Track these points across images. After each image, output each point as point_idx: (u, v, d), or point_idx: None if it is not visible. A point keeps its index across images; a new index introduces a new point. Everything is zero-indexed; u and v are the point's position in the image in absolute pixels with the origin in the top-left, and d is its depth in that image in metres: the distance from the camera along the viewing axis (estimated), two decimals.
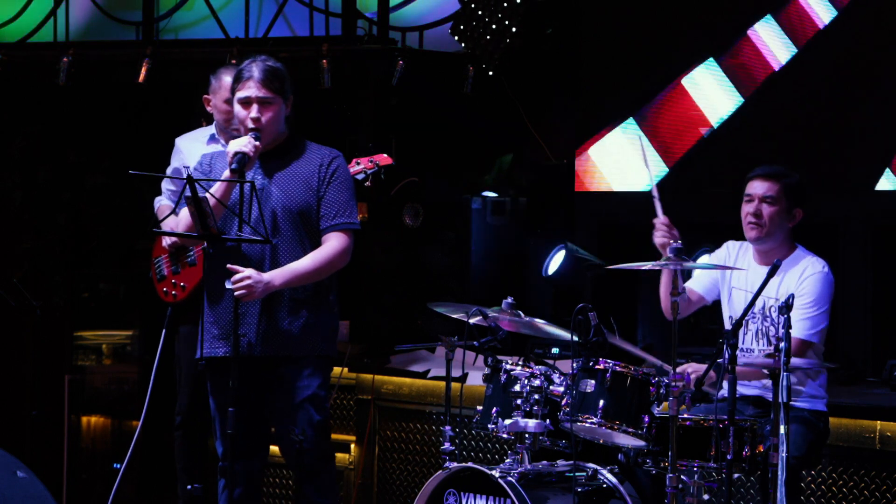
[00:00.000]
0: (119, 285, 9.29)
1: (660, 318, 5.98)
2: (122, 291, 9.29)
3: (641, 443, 5.67)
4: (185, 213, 5.73)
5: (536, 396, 5.90)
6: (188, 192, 5.47)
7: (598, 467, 5.87)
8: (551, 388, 5.93)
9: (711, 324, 6.78)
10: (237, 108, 5.82)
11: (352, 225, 5.83)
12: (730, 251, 6.13)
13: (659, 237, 5.96)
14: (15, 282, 8.06)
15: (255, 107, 5.76)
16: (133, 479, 8.55)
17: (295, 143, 5.90)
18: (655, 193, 6.05)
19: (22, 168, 9.39)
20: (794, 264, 5.94)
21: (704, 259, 6.70)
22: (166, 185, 6.89)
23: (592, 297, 7.94)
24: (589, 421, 5.66)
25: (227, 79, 6.73)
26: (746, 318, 5.88)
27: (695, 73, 8.45)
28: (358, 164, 6.46)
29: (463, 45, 8.69)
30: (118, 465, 8.56)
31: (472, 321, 6.11)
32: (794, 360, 5.60)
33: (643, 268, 5.58)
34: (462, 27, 8.65)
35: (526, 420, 5.85)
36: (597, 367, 5.72)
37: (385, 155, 6.60)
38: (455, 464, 5.91)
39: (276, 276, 5.68)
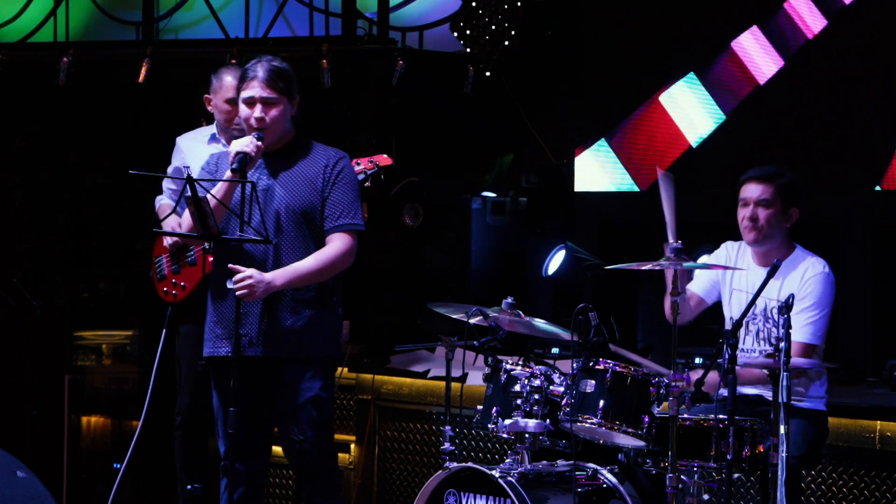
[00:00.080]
0: (119, 285, 9.28)
1: (660, 318, 5.98)
2: (122, 291, 9.29)
3: (641, 443, 5.67)
4: (188, 213, 5.73)
5: (536, 396, 5.89)
6: (188, 192, 5.47)
7: (598, 467, 5.87)
8: (551, 388, 5.93)
9: (712, 324, 6.78)
10: (241, 107, 5.82)
11: (355, 226, 5.83)
12: (728, 252, 6.12)
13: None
14: (15, 282, 8.05)
15: (258, 107, 5.76)
16: (133, 479, 8.55)
17: (301, 144, 5.89)
18: (664, 185, 5.83)
19: (22, 168, 9.39)
20: (795, 265, 5.93)
21: (703, 260, 6.69)
22: (167, 184, 6.90)
23: (592, 297, 7.94)
24: (589, 421, 5.66)
25: (227, 79, 6.74)
26: (747, 319, 5.88)
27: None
28: (358, 164, 6.46)
29: (462, 43, 8.69)
30: (118, 465, 8.56)
31: (472, 321, 6.11)
32: (796, 361, 5.61)
33: (643, 268, 5.58)
34: (462, 24, 8.65)
35: (526, 420, 5.85)
36: (597, 367, 5.72)
37: (385, 155, 6.60)
38: (455, 464, 5.90)
39: (278, 276, 5.68)
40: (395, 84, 8.47)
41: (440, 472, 5.88)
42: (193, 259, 6.75)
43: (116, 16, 9.59)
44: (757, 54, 8.27)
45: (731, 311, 5.99)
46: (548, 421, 5.87)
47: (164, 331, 6.83)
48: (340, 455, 7.82)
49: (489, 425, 5.96)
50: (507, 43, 8.53)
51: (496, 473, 5.71)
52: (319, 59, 8.37)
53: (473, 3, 8.64)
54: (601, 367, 5.71)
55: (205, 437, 6.95)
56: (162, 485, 8.28)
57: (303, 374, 5.78)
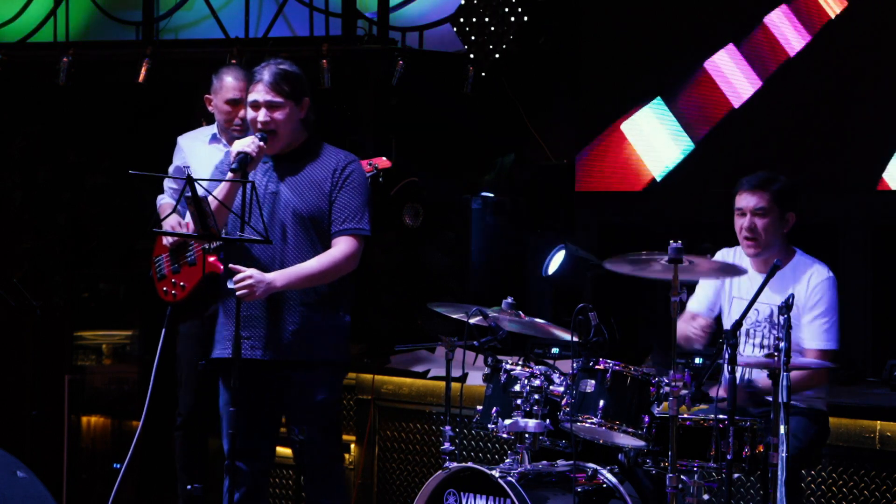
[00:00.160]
0: (119, 285, 9.29)
1: (660, 318, 5.97)
2: (122, 291, 9.30)
3: (641, 443, 5.67)
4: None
5: (536, 396, 5.89)
6: (188, 192, 5.47)
7: (598, 467, 5.87)
8: (551, 388, 5.93)
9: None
10: (248, 110, 5.83)
11: (361, 231, 5.82)
12: (725, 260, 6.08)
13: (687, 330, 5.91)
14: (15, 282, 8.06)
15: (262, 110, 5.76)
16: (133, 479, 8.56)
17: (312, 147, 5.88)
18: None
19: (22, 168, 9.39)
20: (798, 272, 5.91)
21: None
22: (169, 183, 6.91)
23: (592, 297, 7.94)
24: (589, 421, 5.66)
25: (228, 79, 6.74)
26: (749, 326, 5.88)
27: (707, 65, 8.44)
28: None
29: (462, 40, 8.69)
30: (118, 465, 8.57)
31: (472, 321, 6.11)
32: (800, 360, 5.61)
33: (641, 275, 5.56)
34: (462, 21, 8.65)
35: (526, 420, 5.85)
36: (597, 367, 5.71)
37: (384, 158, 6.61)
38: (455, 464, 5.90)
39: (279, 276, 5.68)
40: (395, 84, 8.47)
41: (440, 472, 5.88)
42: (193, 259, 6.75)
43: (116, 16, 9.59)
44: (779, 35, 8.23)
45: (732, 319, 5.96)
46: (548, 421, 5.87)
47: (163, 330, 6.84)
48: None
49: (489, 425, 5.96)
50: (504, 46, 8.54)
51: (496, 473, 5.71)
52: (319, 59, 8.37)
53: (474, 3, 8.64)
54: (601, 366, 5.70)
55: (205, 437, 6.96)
56: (162, 485, 8.28)
57: (308, 379, 5.78)
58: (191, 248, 6.74)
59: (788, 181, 5.97)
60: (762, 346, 5.88)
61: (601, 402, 5.65)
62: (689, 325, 5.92)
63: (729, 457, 5.34)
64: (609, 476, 5.85)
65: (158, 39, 9.47)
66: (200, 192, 5.48)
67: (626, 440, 5.75)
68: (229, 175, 5.66)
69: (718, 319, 6.11)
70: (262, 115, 5.76)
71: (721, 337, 5.35)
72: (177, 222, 6.65)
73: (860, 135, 7.92)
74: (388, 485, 7.87)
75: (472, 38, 8.63)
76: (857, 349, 7.75)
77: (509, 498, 5.64)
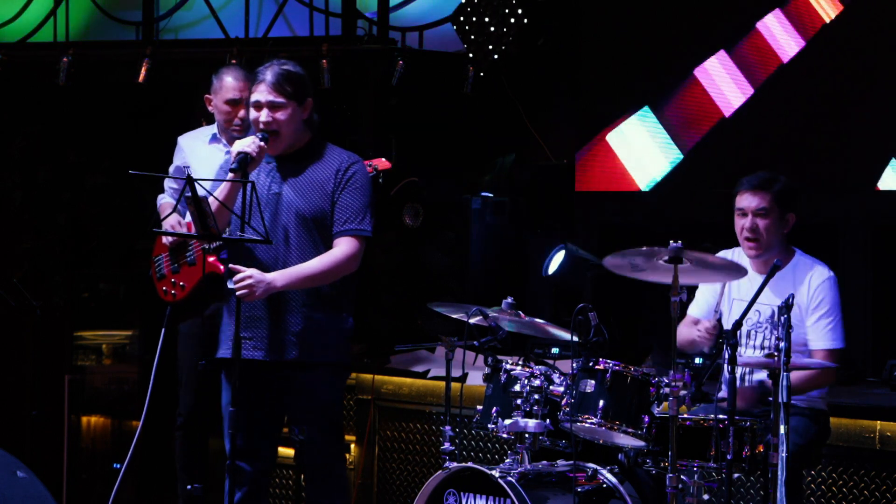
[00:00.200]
0: (119, 285, 9.29)
1: (660, 318, 5.97)
2: (122, 291, 9.29)
3: (641, 443, 5.67)
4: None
5: (536, 396, 5.89)
6: (188, 192, 5.47)
7: (598, 467, 5.87)
8: (551, 388, 5.93)
9: None
10: (250, 110, 5.83)
11: (362, 232, 5.81)
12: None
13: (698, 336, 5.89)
14: (15, 282, 8.06)
15: (264, 111, 5.76)
16: (133, 479, 8.55)
17: (315, 148, 5.87)
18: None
19: (22, 168, 9.39)
20: (799, 273, 5.91)
21: None
22: (169, 182, 6.91)
23: (592, 297, 7.94)
24: (589, 421, 5.66)
25: (228, 79, 6.75)
26: (750, 328, 5.87)
27: (707, 65, 8.43)
28: None
29: (462, 40, 8.69)
30: (118, 465, 8.57)
31: (472, 321, 6.11)
32: (804, 360, 5.61)
33: (641, 278, 5.56)
34: (462, 21, 8.65)
35: (526, 420, 5.85)
36: (597, 367, 5.72)
37: (384, 159, 6.60)
38: (455, 464, 5.90)
39: (279, 276, 5.67)
40: (395, 84, 8.47)
41: (440, 472, 5.88)
42: (193, 259, 6.76)
43: (116, 16, 9.59)
44: (780, 35, 8.22)
45: (733, 320, 5.95)
46: (548, 421, 5.87)
47: (163, 330, 6.84)
48: None
49: (489, 425, 5.96)
50: (504, 47, 8.54)
51: (496, 473, 5.71)
52: (319, 59, 8.37)
53: (474, 3, 8.64)
54: (601, 366, 5.71)
55: (205, 437, 6.96)
56: (162, 485, 8.28)
57: (309, 379, 5.77)
58: (190, 248, 6.74)
59: (789, 182, 5.97)
60: (763, 348, 5.88)
61: (601, 402, 5.65)
62: (693, 329, 5.91)
63: (729, 457, 5.33)
64: (609, 476, 5.85)
65: (158, 39, 9.47)
66: (200, 192, 5.48)
67: (625, 440, 5.75)
68: (229, 175, 5.66)
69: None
70: (264, 115, 5.75)
71: (721, 337, 5.34)
72: (177, 222, 6.65)
73: (860, 134, 7.92)
74: (388, 485, 7.87)
75: (472, 38, 8.63)
76: (857, 349, 7.74)
77: (509, 498, 5.64)
